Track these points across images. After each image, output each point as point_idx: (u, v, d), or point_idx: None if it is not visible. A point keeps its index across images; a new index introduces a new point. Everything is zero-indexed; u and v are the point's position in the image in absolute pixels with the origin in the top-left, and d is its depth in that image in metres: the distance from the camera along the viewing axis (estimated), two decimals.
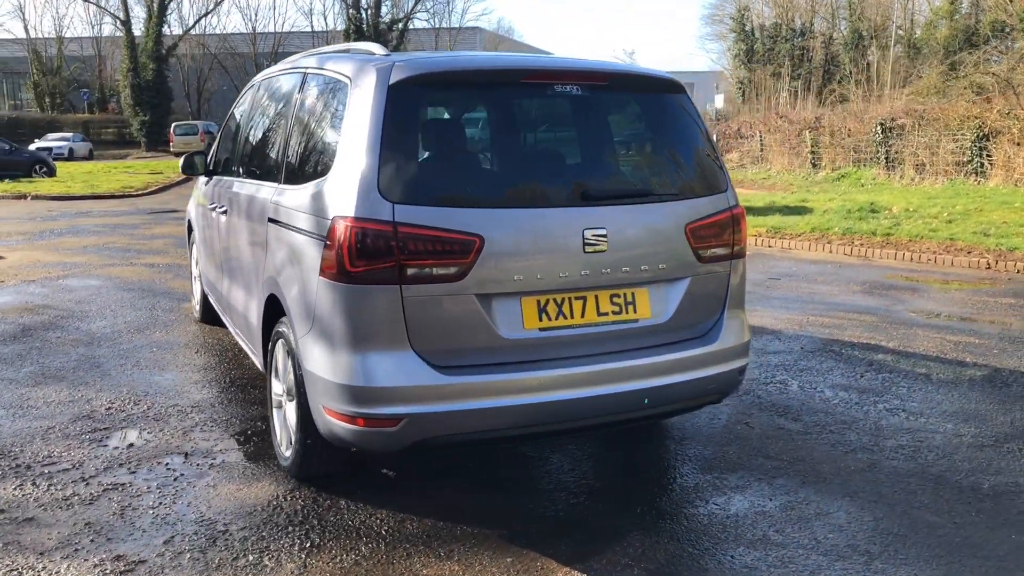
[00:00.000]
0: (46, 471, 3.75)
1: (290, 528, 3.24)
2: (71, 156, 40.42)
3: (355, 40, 46.34)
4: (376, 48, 3.41)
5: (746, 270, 3.80)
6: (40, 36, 68.18)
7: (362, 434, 3.05)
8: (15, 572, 2.90)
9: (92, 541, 3.12)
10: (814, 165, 18.31)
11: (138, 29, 48.77)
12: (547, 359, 3.15)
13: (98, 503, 3.44)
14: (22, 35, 68.91)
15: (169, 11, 50.35)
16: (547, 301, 3.16)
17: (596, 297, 3.25)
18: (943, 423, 4.43)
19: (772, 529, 3.28)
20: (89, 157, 41.55)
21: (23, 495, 3.51)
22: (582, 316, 3.22)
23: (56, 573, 2.89)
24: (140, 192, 19.97)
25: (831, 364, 5.49)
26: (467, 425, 3.06)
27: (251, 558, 3.02)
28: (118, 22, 48.98)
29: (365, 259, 2.93)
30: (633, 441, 4.21)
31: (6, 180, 22.83)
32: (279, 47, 68.03)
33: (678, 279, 3.42)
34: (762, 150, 20.08)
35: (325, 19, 63.75)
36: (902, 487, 3.67)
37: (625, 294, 3.31)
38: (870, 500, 3.54)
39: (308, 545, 3.11)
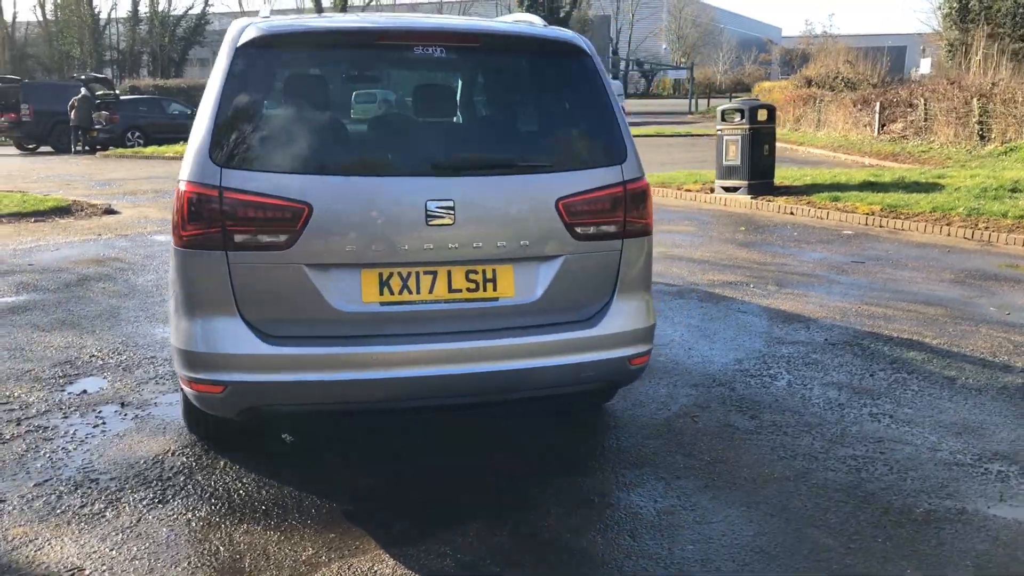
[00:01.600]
0: (16, 411, 4.06)
1: (154, 483, 3.34)
2: None
3: (526, 7, 46.67)
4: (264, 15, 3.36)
5: (651, 249, 3.47)
6: (252, 9, 73.54)
7: (198, 398, 3.08)
8: None
9: None
10: (982, 137, 16.44)
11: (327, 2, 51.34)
12: (389, 335, 3.03)
13: (11, 443, 3.69)
14: (237, 8, 74.67)
15: None
16: (390, 274, 3.03)
17: (449, 273, 3.08)
18: (927, 434, 3.89)
19: (628, 533, 3.02)
20: None
21: None
22: (430, 292, 3.06)
23: None
24: None
25: (844, 360, 4.95)
26: (295, 396, 3.01)
27: (96, 507, 3.14)
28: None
29: (194, 224, 2.93)
30: (552, 424, 4.00)
31: (181, 143, 24.84)
32: (464, 14, 69.78)
33: (550, 257, 3.18)
34: (926, 120, 18.27)
35: None
36: (817, 502, 3.26)
37: (484, 271, 3.11)
38: (768, 513, 3.17)
39: (156, 501, 3.20)
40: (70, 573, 2.73)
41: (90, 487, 3.30)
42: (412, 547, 2.90)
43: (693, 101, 45.03)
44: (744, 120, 11.24)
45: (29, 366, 4.71)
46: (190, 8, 66.34)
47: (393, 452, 3.71)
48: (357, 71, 3.23)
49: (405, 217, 2.97)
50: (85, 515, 3.09)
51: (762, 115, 11.37)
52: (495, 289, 3.13)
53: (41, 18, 68.16)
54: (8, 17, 67.96)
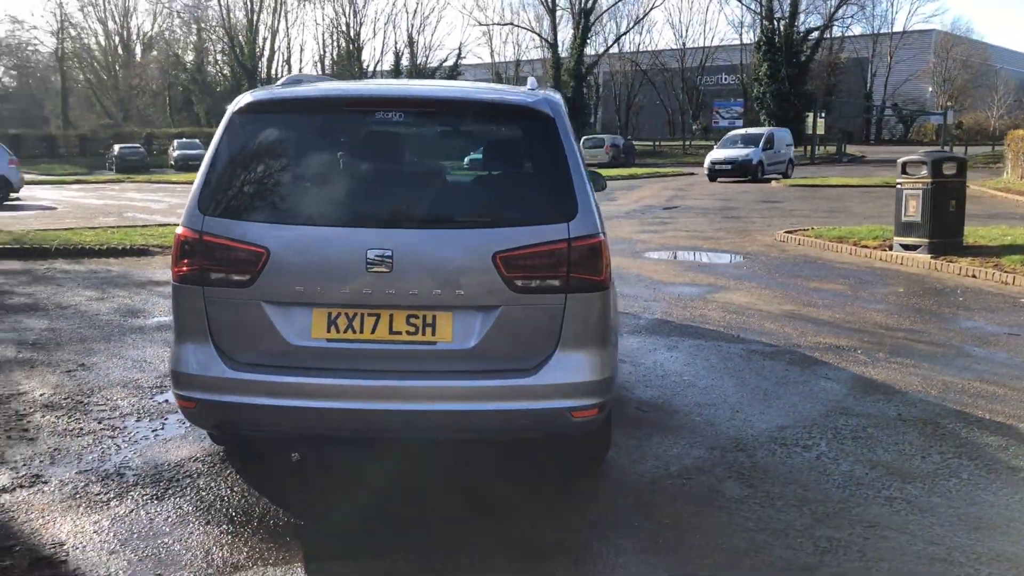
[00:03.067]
0: (96, 410, 4.86)
1: (163, 483, 3.88)
2: None
3: (766, 49, 45.51)
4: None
5: (607, 304, 3.52)
6: (502, 60, 78.15)
7: (181, 411, 3.57)
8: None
9: (41, 462, 4.08)
10: None
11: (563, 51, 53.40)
12: (334, 368, 3.35)
13: (83, 437, 4.42)
14: (488, 60, 79.66)
15: (592, 33, 54.24)
16: (338, 314, 3.36)
17: (391, 316, 3.35)
18: (936, 526, 3.55)
19: None
20: None
21: (65, 421, 4.62)
22: (372, 332, 3.35)
23: None
24: None
25: (902, 438, 4.57)
26: (251, 418, 3.41)
27: (107, 497, 3.72)
28: (545, 44, 54.01)
29: (182, 262, 3.45)
30: (549, 466, 4.10)
31: None
32: (707, 61, 69.46)
33: (488, 307, 3.35)
34: None
35: (752, 31, 62.96)
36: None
37: (424, 316, 3.35)
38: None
39: (155, 498, 3.72)
40: (52, 547, 3.27)
41: (114, 480, 3.90)
42: (330, 562, 3.17)
43: (949, 148, 41.60)
44: (928, 173, 10.43)
45: (140, 376, 5.53)
46: (444, 61, 71.65)
47: (379, 484, 3.99)
48: (324, 133, 3.62)
49: (348, 263, 3.30)
50: (95, 502, 3.66)
51: (949, 168, 10.49)
52: (433, 333, 3.35)
53: (320, 72, 76.64)
54: (295, 71, 77.06)
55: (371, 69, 73.83)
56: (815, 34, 48.76)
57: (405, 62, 72.38)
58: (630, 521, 3.58)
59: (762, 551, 3.33)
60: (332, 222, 3.38)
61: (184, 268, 3.44)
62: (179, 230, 3.48)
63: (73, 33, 69.91)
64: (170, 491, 3.79)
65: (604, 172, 35.73)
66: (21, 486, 3.81)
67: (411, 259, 3.30)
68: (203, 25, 73.06)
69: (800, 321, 7.33)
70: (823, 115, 55.75)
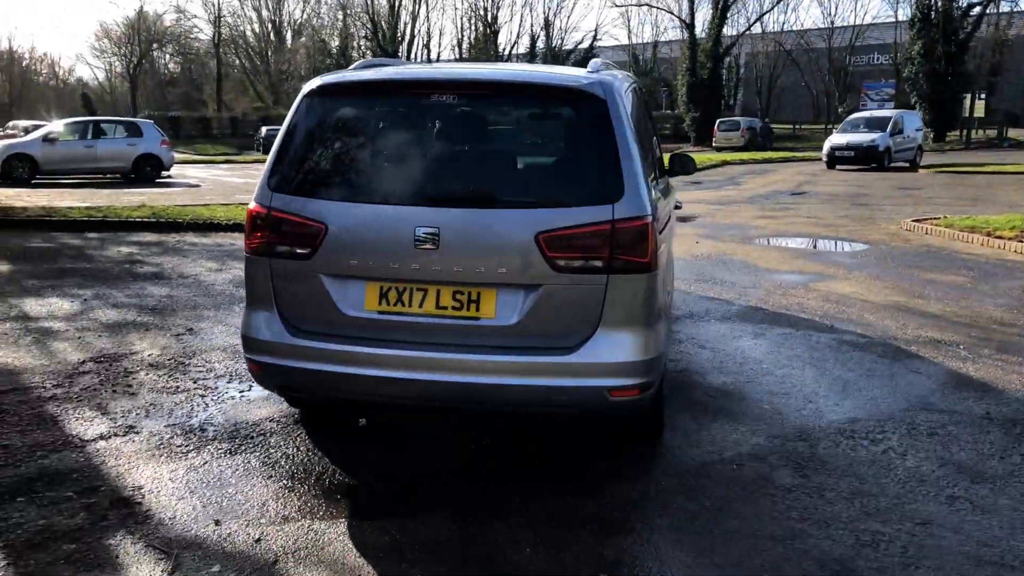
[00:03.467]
0: (193, 371, 5.28)
1: (239, 439, 4.19)
2: None
3: (920, 26, 42.75)
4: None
5: (653, 286, 3.53)
6: (639, 42, 77.26)
7: (251, 373, 3.85)
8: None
9: (137, 415, 4.49)
10: None
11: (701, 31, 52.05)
12: (383, 339, 3.54)
13: (177, 394, 4.82)
14: (625, 42, 78.90)
15: (733, 12, 52.62)
16: (389, 288, 3.54)
17: (438, 291, 3.50)
18: (995, 528, 3.40)
19: (569, 546, 3.19)
20: None
21: (165, 379, 5.06)
22: (420, 306, 3.51)
23: (83, 419, 4.31)
24: None
25: (984, 437, 4.34)
26: (309, 382, 3.64)
27: (187, 448, 4.07)
28: (683, 24, 52.83)
29: (253, 235, 3.71)
30: (598, 445, 4.16)
31: None
32: (856, 39, 66.04)
33: (530, 286, 3.44)
34: None
35: (907, 7, 59.04)
36: (779, 569, 3.10)
37: (469, 292, 3.48)
38: (713, 564, 3.11)
39: (229, 452, 4.04)
40: (132, 490, 3.63)
41: (196, 434, 4.25)
42: (373, 520, 3.38)
43: None
44: None
45: (238, 341, 5.91)
46: (579, 43, 71.33)
47: (432, 450, 4.17)
48: (384, 115, 3.78)
49: (398, 240, 3.46)
50: (176, 453, 4.02)
51: None
52: (478, 309, 3.48)
53: (457, 56, 78.02)
54: (434, 55, 78.85)
55: (507, 52, 74.47)
56: (977, 9, 45.34)
57: (541, 45, 72.61)
58: (671, 501, 3.61)
59: (798, 540, 3.29)
60: (385, 200, 3.55)
61: (254, 241, 3.71)
62: (251, 205, 3.75)
63: (230, 20, 74.21)
64: (243, 447, 4.10)
65: (737, 155, 35.02)
66: (116, 435, 4.21)
67: (456, 237, 3.43)
68: (348, 11, 75.85)
69: (904, 313, 7.00)
70: (982, 96, 51.88)
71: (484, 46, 72.86)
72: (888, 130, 27.15)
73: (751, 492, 3.71)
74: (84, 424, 4.33)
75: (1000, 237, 10.61)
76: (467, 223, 3.45)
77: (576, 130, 3.58)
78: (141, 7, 78.42)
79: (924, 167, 26.75)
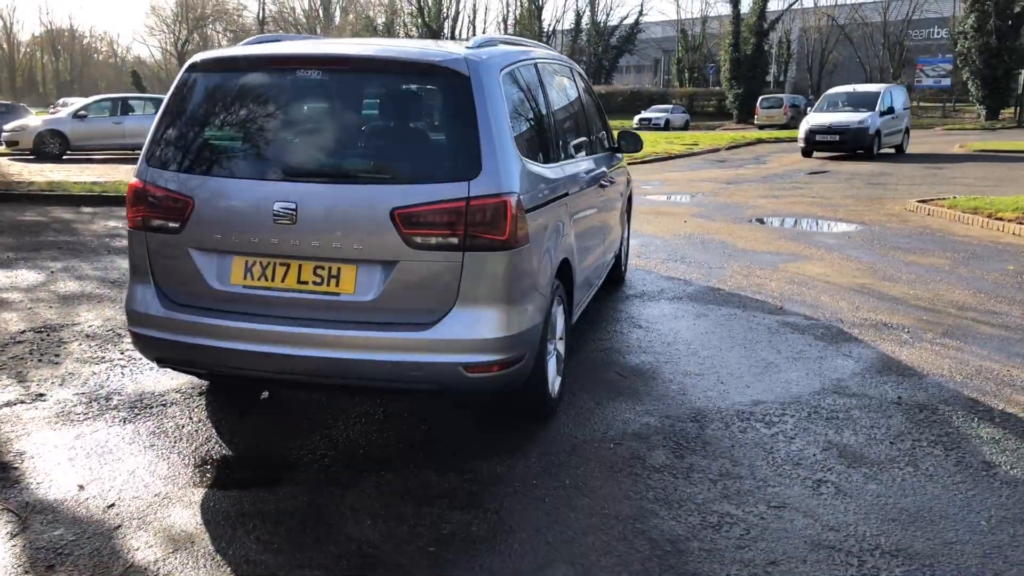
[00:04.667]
0: (126, 343, 5.42)
1: (137, 408, 4.32)
2: (666, 126, 44.44)
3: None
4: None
5: (515, 264, 3.53)
6: (688, 17, 76.00)
7: (133, 345, 3.96)
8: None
9: (52, 384, 4.64)
10: None
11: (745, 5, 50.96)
12: (247, 313, 3.60)
13: (101, 364, 4.96)
14: (674, 17, 77.74)
15: None
16: (254, 263, 3.60)
17: (300, 266, 3.55)
18: (851, 519, 3.36)
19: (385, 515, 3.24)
20: (684, 128, 45.09)
21: (94, 350, 5.22)
22: (282, 281, 3.57)
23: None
24: (632, 160, 21.74)
25: (885, 423, 4.27)
26: (181, 355, 3.73)
27: (85, 416, 4.20)
28: None
29: (131, 209, 3.80)
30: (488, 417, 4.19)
31: None
32: (913, 13, 63.97)
33: (387, 262, 3.47)
34: None
35: None
36: (611, 546, 3.12)
37: (330, 268, 3.53)
38: (545, 541, 3.14)
39: (124, 420, 4.17)
40: (14, 455, 3.77)
41: (100, 403, 4.38)
42: (228, 490, 3.47)
43: None
44: None
45: None
46: (624, 19, 70.53)
47: (313, 422, 4.24)
48: (252, 91, 3.82)
49: (258, 215, 3.52)
50: (72, 421, 4.16)
51: None
52: (337, 285, 3.52)
53: (503, 32, 77.67)
54: (479, 32, 78.57)
55: (551, 28, 73.89)
56: None
57: (586, 21, 71.86)
58: (533, 478, 3.63)
59: (641, 519, 3.29)
60: (246, 175, 3.61)
61: (133, 215, 3.80)
62: (132, 180, 3.84)
63: None
64: (139, 416, 4.22)
65: (775, 134, 34.21)
66: (22, 402, 4.37)
67: (313, 213, 3.47)
68: None
69: (863, 295, 6.86)
70: None
71: (528, 22, 72.44)
72: (877, 108, 21.65)
73: (616, 471, 3.71)
74: None
75: (1000, 219, 10.30)
76: (324, 198, 3.49)
77: (437, 106, 3.59)
78: None
79: (962, 145, 25.46)
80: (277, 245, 3.52)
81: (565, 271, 4.33)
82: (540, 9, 72.89)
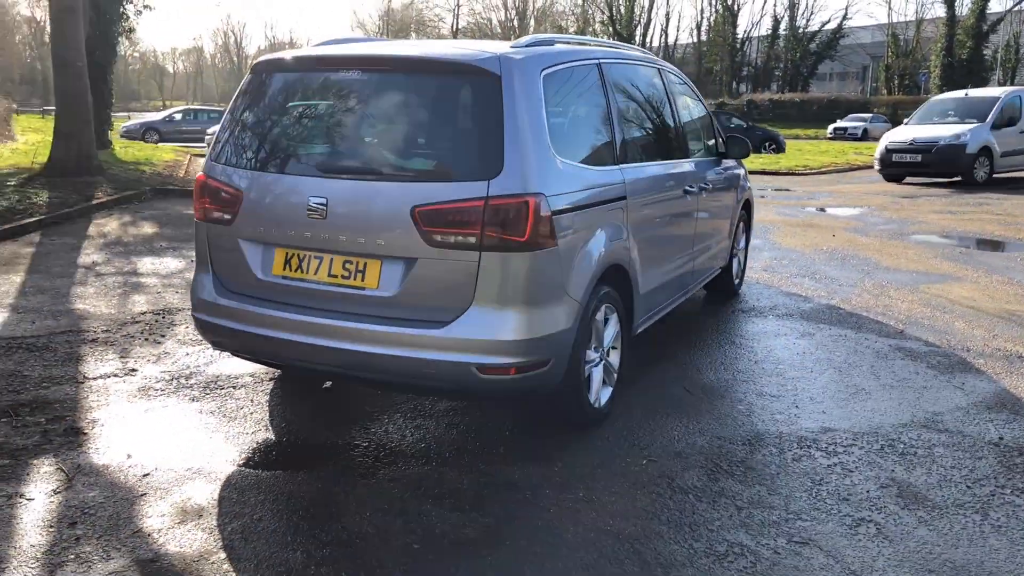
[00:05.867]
0: None
1: (210, 389, 4.61)
2: (864, 136, 41.73)
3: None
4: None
5: (536, 266, 3.45)
6: (901, 20, 71.23)
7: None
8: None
9: (148, 361, 5.05)
10: None
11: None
12: (284, 302, 3.76)
13: (194, 346, 5.34)
14: (884, 20, 73.09)
15: None
16: (293, 255, 3.75)
17: (331, 260, 3.66)
18: (872, 559, 3.03)
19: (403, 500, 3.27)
20: None
21: (194, 332, 5.63)
22: (315, 273, 3.69)
23: (102, 359, 4.92)
24: (809, 171, 20.62)
25: (965, 459, 3.80)
26: (231, 341, 3.95)
27: (162, 393, 4.54)
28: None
29: (197, 202, 4.08)
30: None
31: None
32: None
33: (408, 259, 3.50)
34: None
35: None
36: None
37: (357, 262, 3.61)
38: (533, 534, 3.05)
39: (193, 399, 4.46)
40: (90, 422, 4.14)
41: (180, 381, 4.71)
42: (256, 469, 3.63)
43: None
44: None
45: None
46: (826, 23, 67.08)
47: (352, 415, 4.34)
48: (300, 91, 3.95)
49: (294, 209, 3.66)
50: (150, 394, 4.50)
51: None
52: (363, 280, 3.60)
53: (696, 39, 76.21)
54: (671, 39, 77.55)
55: (746, 35, 71.61)
56: None
57: (784, 27, 69.02)
58: (545, 487, 3.53)
59: (643, 540, 3.13)
60: (287, 171, 3.76)
61: (198, 207, 4.06)
62: (199, 174, 4.11)
63: (477, 9, 77.54)
64: (208, 396, 4.50)
65: None
66: (115, 375, 4.79)
67: (341, 208, 3.57)
68: None
69: (1008, 323, 6.14)
70: None
71: (721, 28, 70.59)
72: (990, 120, 16.48)
73: (638, 488, 3.54)
74: (99, 364, 4.96)
75: None
76: (351, 195, 3.58)
77: (467, 105, 3.58)
78: None
79: None
80: (310, 239, 3.64)
81: (619, 277, 4.18)
82: (735, 15, 70.83)
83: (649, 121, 4.96)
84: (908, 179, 17.26)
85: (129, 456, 3.77)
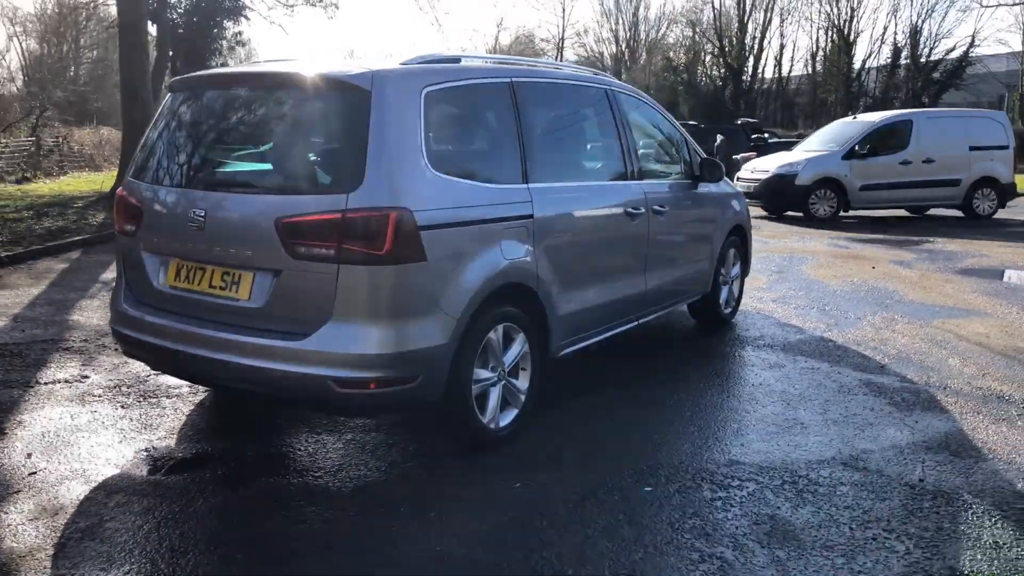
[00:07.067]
0: None
1: (146, 396, 4.78)
2: None
3: None
4: None
5: (396, 280, 3.45)
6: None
7: None
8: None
9: (105, 368, 5.29)
10: None
11: None
12: (173, 312, 3.88)
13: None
14: (1017, 48, 69.35)
15: None
16: (182, 266, 3.87)
17: (212, 271, 3.76)
18: None
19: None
20: None
21: None
22: (198, 284, 3.80)
23: (61, 366, 5.18)
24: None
25: (880, 505, 3.53)
26: (132, 347, 4.10)
27: (96, 397, 4.74)
28: None
29: (115, 215, 4.27)
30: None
31: None
32: None
33: (272, 270, 3.56)
34: None
35: None
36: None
37: (233, 274, 3.69)
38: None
39: (121, 405, 4.64)
40: (16, 423, 4.36)
41: (120, 389, 4.91)
42: (134, 477, 3.74)
43: None
44: None
45: None
46: (950, 51, 64.02)
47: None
48: (195, 108, 4.07)
49: (179, 221, 3.79)
50: (86, 400, 4.70)
51: None
52: (237, 291, 3.68)
53: (811, 70, 74.23)
54: (784, 70, 75.83)
55: (863, 65, 69.17)
56: None
57: (905, 55, 66.36)
58: (402, 501, 3.49)
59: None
60: (176, 184, 3.91)
61: (116, 220, 4.26)
62: (119, 189, 4.31)
63: (588, 43, 78.28)
64: (139, 404, 4.67)
65: None
66: (66, 381, 5.04)
67: (217, 220, 3.67)
68: (697, 28, 75.80)
69: (1008, 361, 5.66)
70: None
71: (837, 58, 68.42)
72: (843, 148, 14.60)
73: (495, 511, 3.44)
74: (57, 370, 5.23)
75: None
76: (224, 207, 3.68)
77: (335, 120, 3.63)
78: (497, 33, 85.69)
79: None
80: (193, 250, 3.76)
81: (524, 296, 4.11)
82: (850, 44, 68.58)
83: (578, 141, 4.87)
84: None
85: (28, 456, 3.95)
